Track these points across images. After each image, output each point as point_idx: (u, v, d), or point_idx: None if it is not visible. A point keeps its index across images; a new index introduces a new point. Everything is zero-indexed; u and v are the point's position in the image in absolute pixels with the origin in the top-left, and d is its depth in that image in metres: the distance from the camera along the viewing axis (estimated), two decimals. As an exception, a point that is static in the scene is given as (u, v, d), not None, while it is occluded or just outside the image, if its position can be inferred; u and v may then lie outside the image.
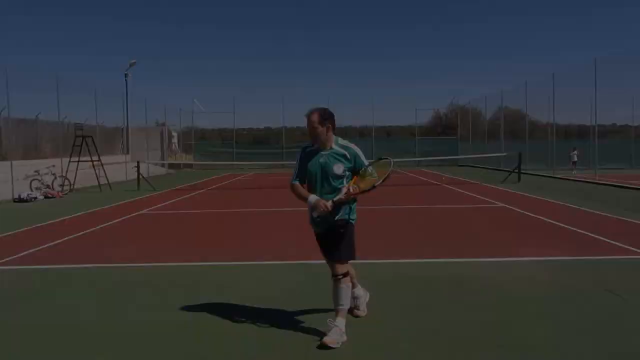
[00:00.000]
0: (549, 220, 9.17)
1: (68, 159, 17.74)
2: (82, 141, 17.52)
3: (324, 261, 6.04)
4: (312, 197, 3.78)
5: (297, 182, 3.96)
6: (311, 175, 3.88)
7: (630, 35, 70.70)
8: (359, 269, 5.86)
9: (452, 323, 4.06)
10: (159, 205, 12.85)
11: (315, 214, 3.77)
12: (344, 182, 3.81)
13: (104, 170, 18.65)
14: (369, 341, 3.72)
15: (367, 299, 4.37)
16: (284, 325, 4.06)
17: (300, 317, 4.26)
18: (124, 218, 10.57)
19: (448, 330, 3.90)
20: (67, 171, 17.38)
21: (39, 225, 9.80)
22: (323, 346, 3.60)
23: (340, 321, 3.77)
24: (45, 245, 7.59)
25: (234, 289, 5.16)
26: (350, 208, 3.89)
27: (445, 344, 3.64)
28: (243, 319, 4.24)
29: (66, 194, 16.72)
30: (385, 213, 10.63)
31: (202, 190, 17.28)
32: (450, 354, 3.46)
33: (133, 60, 28.67)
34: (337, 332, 3.70)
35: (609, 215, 9.76)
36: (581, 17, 76.91)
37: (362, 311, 4.29)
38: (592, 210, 10.41)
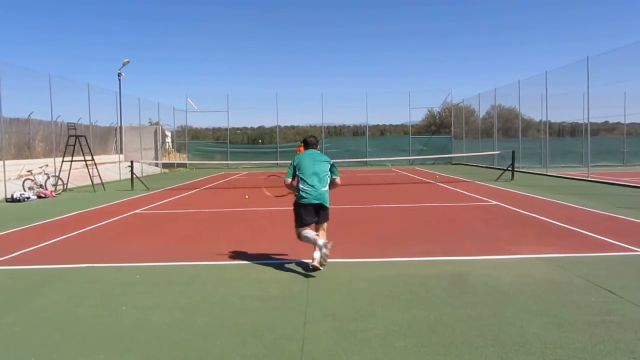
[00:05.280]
0: (543, 218, 9.24)
1: (61, 159, 17.64)
2: (75, 140, 17.42)
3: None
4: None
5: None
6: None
7: (622, 32, 71.20)
8: (355, 268, 5.90)
9: (448, 320, 4.08)
10: (153, 205, 12.81)
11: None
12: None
13: (98, 170, 18.56)
14: (365, 338, 3.74)
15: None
16: (280, 324, 4.08)
17: (295, 315, 4.27)
18: (118, 218, 10.53)
19: (444, 328, 3.92)
20: (60, 171, 17.28)
21: (32, 225, 9.75)
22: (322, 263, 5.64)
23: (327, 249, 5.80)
24: (39, 245, 7.56)
25: (230, 288, 5.17)
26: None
27: (441, 341, 3.67)
28: (239, 318, 4.26)
29: (59, 193, 16.64)
30: (379, 211, 10.66)
31: (196, 190, 17.24)
32: (446, 351, 3.48)
33: (126, 60, 28.48)
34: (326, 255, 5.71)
35: (601, 212, 9.85)
36: (573, 14, 77.32)
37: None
38: (585, 208, 10.50)
